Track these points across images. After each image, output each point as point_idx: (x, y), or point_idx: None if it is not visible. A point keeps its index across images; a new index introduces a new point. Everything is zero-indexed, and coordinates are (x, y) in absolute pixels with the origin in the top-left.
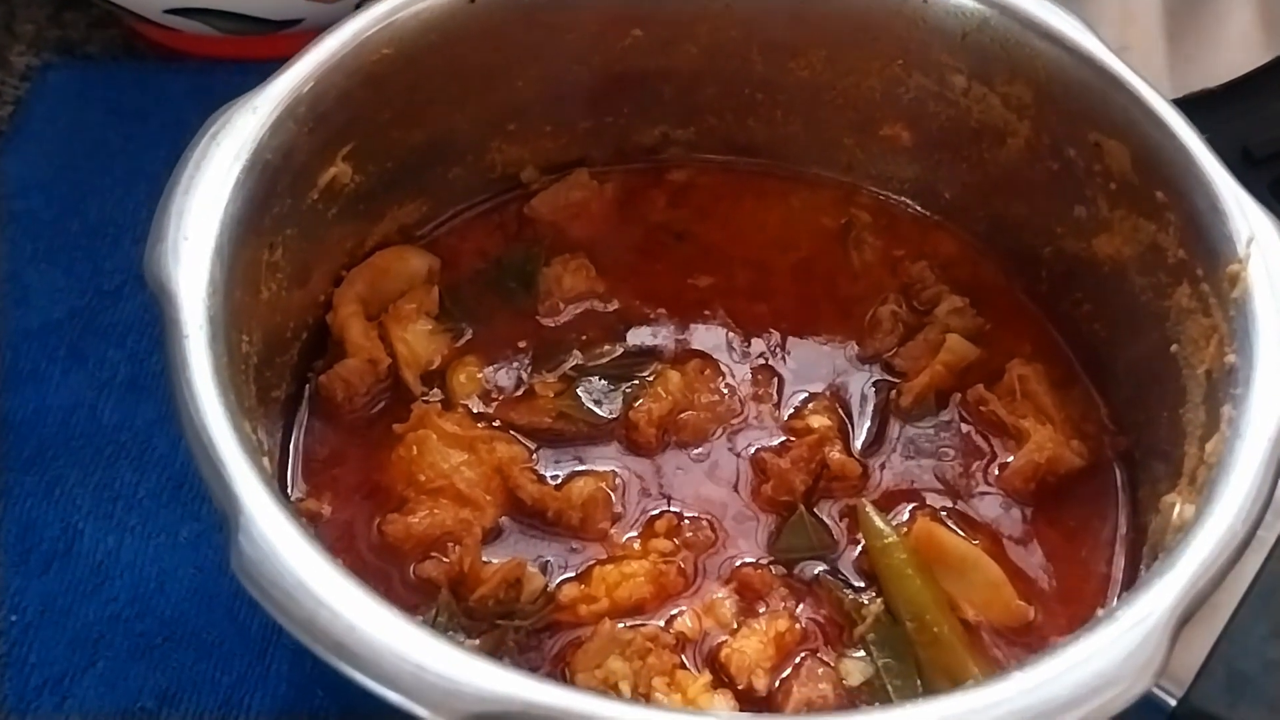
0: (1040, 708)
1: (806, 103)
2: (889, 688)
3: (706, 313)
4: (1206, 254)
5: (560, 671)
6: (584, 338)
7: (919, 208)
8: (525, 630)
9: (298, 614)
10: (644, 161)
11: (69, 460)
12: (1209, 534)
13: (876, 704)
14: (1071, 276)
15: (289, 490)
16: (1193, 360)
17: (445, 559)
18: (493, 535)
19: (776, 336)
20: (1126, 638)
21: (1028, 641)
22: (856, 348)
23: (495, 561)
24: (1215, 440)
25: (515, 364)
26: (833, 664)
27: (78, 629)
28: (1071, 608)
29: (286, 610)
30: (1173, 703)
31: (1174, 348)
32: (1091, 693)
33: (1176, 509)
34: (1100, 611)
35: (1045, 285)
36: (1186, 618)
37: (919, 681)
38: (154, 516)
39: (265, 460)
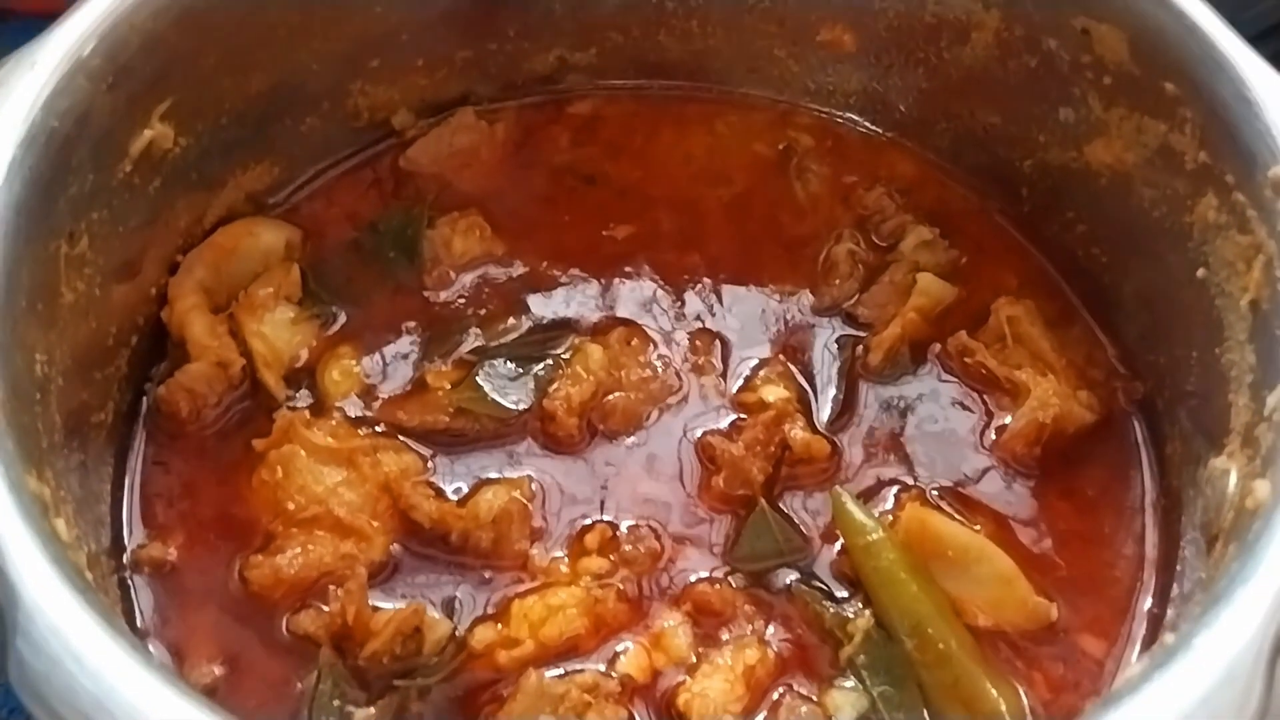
0: None
1: (727, 8)
2: None
3: (628, 269)
4: (1237, 155)
5: None
6: (483, 312)
7: (869, 125)
8: (432, 690)
9: None
10: (540, 94)
11: None
12: None
13: None
14: (1059, 193)
15: (125, 535)
16: (1229, 288)
17: (326, 608)
18: (383, 571)
19: (714, 292)
20: (1208, 672)
21: (1052, 647)
22: (810, 298)
23: (388, 608)
24: None
25: (401, 352)
26: (817, 698)
27: None
28: (1100, 600)
29: None
30: None
31: (1201, 273)
32: None
33: (1233, 479)
34: (1168, 637)
35: (1028, 205)
36: None
37: (926, 712)
38: None
39: (60, 523)
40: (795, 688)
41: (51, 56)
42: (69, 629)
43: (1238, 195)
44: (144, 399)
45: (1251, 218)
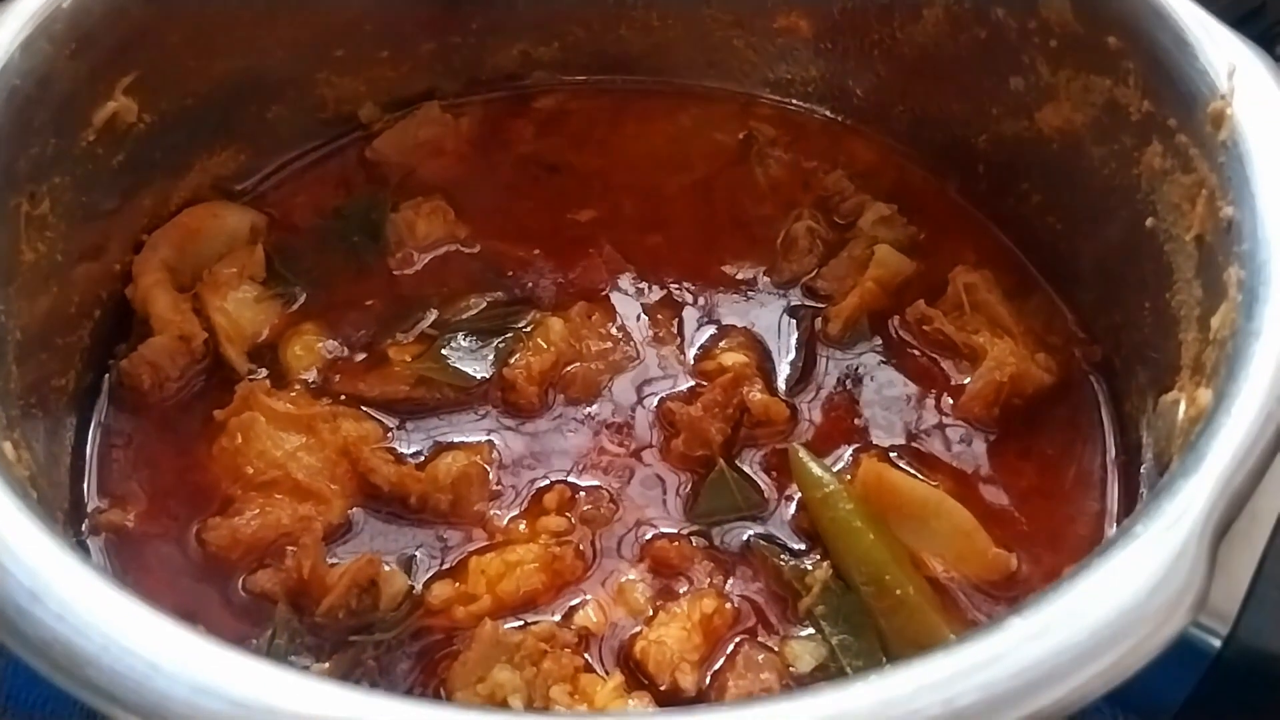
0: (1050, 662)
1: None
2: (848, 670)
3: (591, 250)
4: (1178, 99)
5: (435, 690)
6: (445, 290)
7: (827, 112)
8: (387, 645)
9: (33, 633)
10: (505, 89)
11: None
12: (1239, 416)
13: None
14: (1014, 166)
15: (85, 500)
16: (1176, 230)
17: (283, 566)
18: (342, 531)
19: (675, 270)
20: (1151, 560)
21: (1013, 597)
22: (771, 274)
23: (344, 563)
24: (1225, 309)
25: (363, 328)
26: (776, 648)
27: None
28: (1062, 552)
29: (17, 629)
30: (1217, 643)
31: (1150, 222)
32: (1114, 637)
33: (1183, 407)
34: (1109, 531)
35: (984, 182)
36: (1225, 526)
37: (884, 659)
38: None
39: (7, 445)
40: (754, 638)
41: (15, 19)
42: (6, 529)
43: (1180, 137)
44: (107, 375)
45: (1194, 156)
